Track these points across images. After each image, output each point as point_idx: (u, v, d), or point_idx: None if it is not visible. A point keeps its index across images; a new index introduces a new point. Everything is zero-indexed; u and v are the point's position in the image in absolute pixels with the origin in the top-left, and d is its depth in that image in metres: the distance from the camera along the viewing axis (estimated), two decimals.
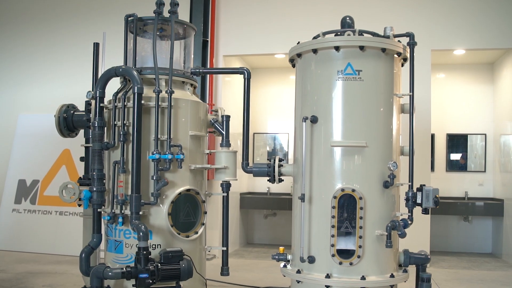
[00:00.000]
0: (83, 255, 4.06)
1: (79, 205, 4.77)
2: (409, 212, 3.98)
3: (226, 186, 4.43)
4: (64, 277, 6.00)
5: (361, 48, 3.85)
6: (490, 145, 8.42)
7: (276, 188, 9.06)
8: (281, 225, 9.13)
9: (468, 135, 8.56)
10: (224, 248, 4.45)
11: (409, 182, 4.01)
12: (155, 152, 3.95)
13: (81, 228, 7.39)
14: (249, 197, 8.87)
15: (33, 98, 8.40)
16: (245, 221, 9.12)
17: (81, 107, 7.96)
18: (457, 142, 8.62)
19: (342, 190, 3.81)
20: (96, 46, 4.92)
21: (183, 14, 7.96)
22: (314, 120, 3.93)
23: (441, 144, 8.56)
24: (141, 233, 3.72)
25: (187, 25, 4.50)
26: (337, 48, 3.88)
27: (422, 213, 3.97)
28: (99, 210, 4.13)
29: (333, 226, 3.81)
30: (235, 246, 8.36)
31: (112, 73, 4.12)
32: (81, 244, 7.21)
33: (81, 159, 4.89)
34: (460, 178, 8.50)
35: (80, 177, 4.82)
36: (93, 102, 4.31)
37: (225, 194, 4.44)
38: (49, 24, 8.46)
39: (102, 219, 4.22)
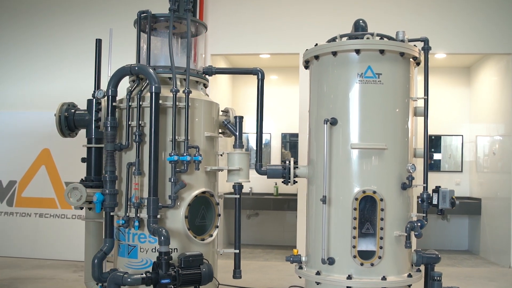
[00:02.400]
0: (96, 260, 3.89)
1: (81, 208, 4.60)
2: (424, 213, 4.07)
3: (238, 188, 4.40)
4: (54, 282, 5.75)
5: (381, 51, 3.90)
6: (467, 146, 8.75)
7: (258, 188, 9.05)
8: (263, 225, 9.14)
9: (446, 136, 8.85)
10: (237, 251, 4.41)
11: (424, 183, 4.10)
12: (173, 154, 3.85)
13: (60, 231, 7.19)
14: (232, 197, 8.77)
15: (9, 95, 7.99)
16: (227, 222, 9.04)
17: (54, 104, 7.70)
18: (435, 143, 8.90)
19: (364, 192, 3.84)
20: (98, 42, 4.73)
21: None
22: (334, 122, 3.94)
23: (420, 145, 8.78)
24: (162, 238, 3.62)
25: (199, 23, 4.41)
26: (357, 51, 3.91)
27: (438, 214, 4.07)
28: (111, 213, 3.98)
29: (354, 228, 3.83)
30: (218, 247, 8.28)
31: (127, 71, 3.98)
32: (65, 247, 7.02)
33: (83, 160, 4.68)
34: (437, 178, 8.75)
35: (82, 179, 4.63)
36: (102, 101, 4.14)
37: (238, 196, 4.39)
38: (27, 19, 8.07)
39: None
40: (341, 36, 4.12)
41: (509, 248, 7.01)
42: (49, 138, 7.60)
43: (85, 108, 4.62)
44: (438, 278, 4.15)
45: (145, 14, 4.14)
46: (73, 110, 4.61)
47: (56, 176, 7.44)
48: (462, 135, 8.77)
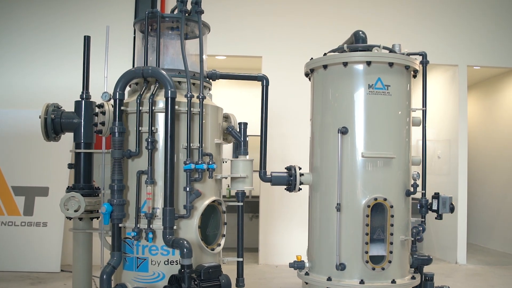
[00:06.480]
0: (105, 276, 3.61)
1: (70, 218, 4.27)
2: (422, 218, 4.31)
3: (241, 195, 4.31)
4: None
5: (390, 64, 4.05)
6: None
7: None
8: None
9: None
10: (241, 259, 4.34)
11: (423, 190, 4.34)
12: (189, 162, 3.70)
13: (7, 240, 6.57)
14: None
15: None
16: None
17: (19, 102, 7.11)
18: None
19: (375, 199, 3.98)
20: (87, 39, 4.39)
21: (128, 11, 7.44)
22: (345, 131, 4.03)
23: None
24: (185, 250, 3.47)
25: (203, 24, 4.26)
26: (368, 63, 4.03)
27: (436, 219, 4.33)
28: (120, 225, 3.73)
29: (366, 234, 3.95)
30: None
31: (138, 74, 3.75)
32: (14, 257, 6.43)
33: (70, 166, 4.34)
34: None
35: (69, 186, 4.30)
36: (105, 104, 3.87)
37: (241, 204, 4.32)
38: None
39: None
40: (347, 47, 4.22)
41: (456, 245, 7.61)
42: None
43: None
44: (430, 278, 4.42)
45: (153, 14, 3.92)
46: (60, 112, 4.26)
47: (0, 180, 6.78)
48: None
